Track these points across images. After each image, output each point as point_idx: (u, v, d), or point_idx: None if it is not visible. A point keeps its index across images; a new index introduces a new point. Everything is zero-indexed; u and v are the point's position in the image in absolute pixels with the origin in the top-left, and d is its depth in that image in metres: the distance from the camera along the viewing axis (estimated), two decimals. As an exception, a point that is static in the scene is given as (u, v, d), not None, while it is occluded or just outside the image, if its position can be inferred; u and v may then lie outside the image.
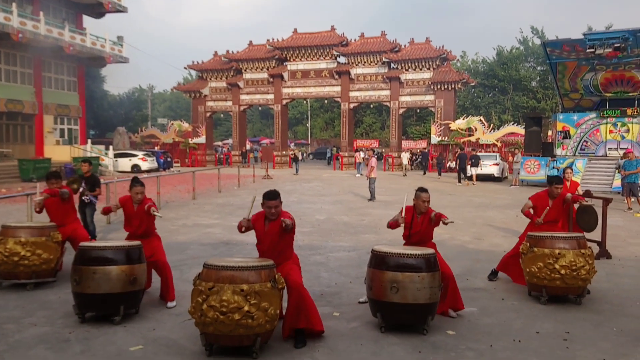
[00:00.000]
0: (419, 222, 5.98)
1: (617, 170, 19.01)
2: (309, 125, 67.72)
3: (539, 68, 56.51)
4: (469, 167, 25.37)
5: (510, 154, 27.39)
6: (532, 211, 7.30)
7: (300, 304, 4.94)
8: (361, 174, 29.68)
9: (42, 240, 6.82)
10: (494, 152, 32.34)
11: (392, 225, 6.13)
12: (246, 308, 4.43)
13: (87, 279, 5.38)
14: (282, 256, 5.23)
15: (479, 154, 27.92)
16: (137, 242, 5.83)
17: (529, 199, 7.41)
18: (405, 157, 33.88)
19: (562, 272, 6.05)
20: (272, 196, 5.15)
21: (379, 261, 5.31)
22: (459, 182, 25.24)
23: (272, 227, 5.17)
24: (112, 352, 4.75)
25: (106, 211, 7.00)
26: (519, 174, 24.27)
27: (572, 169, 9.88)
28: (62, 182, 7.81)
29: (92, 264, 5.41)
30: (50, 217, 7.62)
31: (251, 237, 10.39)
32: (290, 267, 5.18)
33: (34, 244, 6.74)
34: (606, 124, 22.73)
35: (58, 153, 31.66)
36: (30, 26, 28.93)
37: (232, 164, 38.23)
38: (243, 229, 5.33)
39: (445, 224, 5.80)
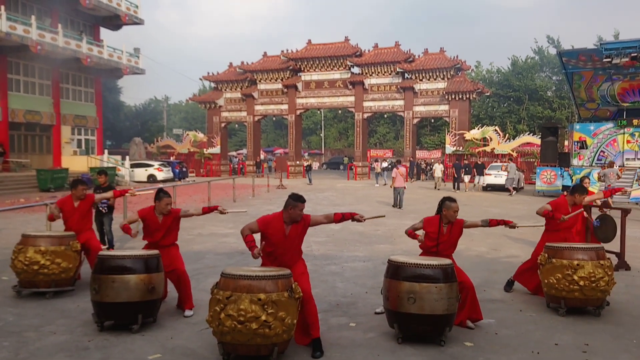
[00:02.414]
0: (446, 232, 5.97)
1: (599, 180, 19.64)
2: (322, 135, 67.87)
3: (554, 78, 56.22)
4: (463, 175, 27.62)
5: (503, 166, 27.84)
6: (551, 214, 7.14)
7: (309, 312, 4.97)
8: (384, 184, 29.71)
9: (62, 249, 6.89)
10: (509, 162, 32.15)
11: (411, 234, 6.17)
12: (263, 317, 4.45)
13: (106, 287, 5.44)
14: (295, 257, 5.31)
15: (478, 162, 28.36)
16: (155, 252, 5.87)
17: (548, 203, 7.30)
18: (438, 168, 29.55)
19: (581, 283, 5.99)
20: (301, 198, 5.25)
21: (396, 271, 5.30)
22: (457, 189, 26.79)
23: (295, 229, 5.23)
24: (131, 360, 4.78)
25: (126, 230, 6.35)
26: (512, 183, 25.13)
27: (589, 179, 9.81)
28: (85, 189, 7.69)
29: (111, 273, 5.47)
30: (65, 224, 7.53)
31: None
32: (300, 273, 5.20)
33: (53, 253, 6.81)
34: (623, 134, 22.50)
35: (75, 163, 32.04)
36: (48, 38, 29.41)
37: (247, 174, 38.41)
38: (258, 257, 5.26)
39: (513, 227, 6.18)
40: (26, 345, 5.18)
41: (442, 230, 5.97)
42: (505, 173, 26.16)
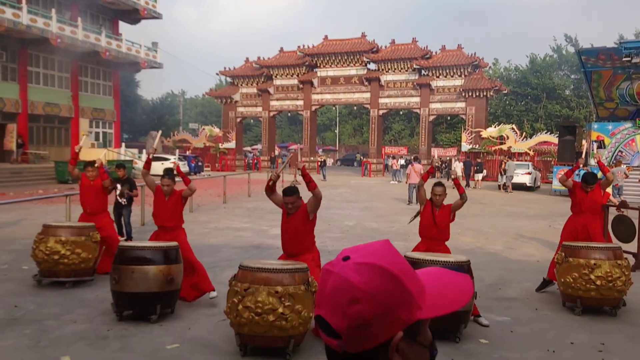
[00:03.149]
0: (438, 215, 6.14)
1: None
2: (337, 131, 67.80)
3: (572, 76, 55.57)
4: (474, 173, 27.84)
5: (502, 162, 28.08)
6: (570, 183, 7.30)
7: None
8: (399, 181, 29.69)
9: (82, 239, 7.01)
10: (526, 161, 31.95)
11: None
12: (280, 310, 4.50)
13: (126, 278, 5.53)
14: (302, 247, 5.46)
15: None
16: (174, 243, 5.96)
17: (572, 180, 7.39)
18: (458, 167, 28.54)
19: (598, 282, 5.96)
20: (288, 192, 5.43)
21: (412, 267, 5.31)
22: (466, 186, 27.16)
23: (294, 218, 5.43)
24: (150, 349, 4.86)
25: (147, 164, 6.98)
26: (511, 180, 25.70)
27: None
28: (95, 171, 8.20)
29: (131, 264, 5.56)
30: (81, 200, 8.07)
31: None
32: (311, 268, 5.23)
33: (73, 243, 6.93)
34: (642, 133, 22.23)
35: (93, 156, 32.21)
36: (68, 31, 29.72)
37: (261, 169, 38.53)
38: (271, 182, 5.58)
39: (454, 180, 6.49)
40: (46, 333, 5.28)
41: (435, 213, 6.16)
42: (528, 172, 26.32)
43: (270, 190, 5.63)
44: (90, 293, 6.75)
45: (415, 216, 6.63)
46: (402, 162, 33.42)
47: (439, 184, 6.37)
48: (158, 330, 5.40)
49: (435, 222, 6.13)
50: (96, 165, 8.27)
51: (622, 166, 19.65)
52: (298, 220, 5.43)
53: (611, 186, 17.59)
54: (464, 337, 5.29)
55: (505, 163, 27.63)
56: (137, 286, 5.51)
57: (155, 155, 7.55)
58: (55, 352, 4.78)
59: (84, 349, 4.86)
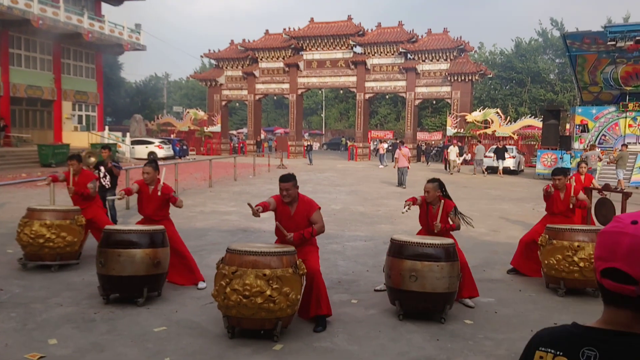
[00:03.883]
0: (433, 213, 5.99)
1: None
2: (323, 115, 67.67)
3: (557, 60, 55.90)
4: (457, 157, 27.22)
5: (472, 145, 28.21)
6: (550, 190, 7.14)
7: (314, 289, 5.03)
8: (385, 165, 29.78)
9: (67, 223, 6.96)
10: (510, 145, 32.17)
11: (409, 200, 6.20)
12: (268, 292, 4.52)
13: (112, 261, 5.51)
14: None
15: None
16: (160, 227, 5.94)
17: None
18: (453, 151, 27.01)
19: (581, 264, 6.06)
20: (283, 179, 5.26)
21: (398, 250, 5.37)
22: (447, 169, 27.47)
23: (299, 212, 5.25)
24: (137, 332, 4.87)
25: (127, 192, 6.63)
26: (480, 164, 26.20)
27: (586, 163, 9.83)
28: (81, 165, 7.87)
29: (117, 247, 5.53)
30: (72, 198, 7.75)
31: (268, 224, 10.51)
32: (308, 251, 5.22)
33: (58, 226, 6.88)
34: (625, 117, 22.52)
35: (76, 139, 32.00)
36: (50, 13, 29.16)
37: (247, 153, 38.40)
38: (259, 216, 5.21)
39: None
40: (33, 316, 5.26)
41: (430, 212, 6.02)
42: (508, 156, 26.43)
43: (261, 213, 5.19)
44: (77, 276, 6.72)
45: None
46: (386, 145, 33.58)
47: (431, 180, 6.10)
48: (145, 313, 5.40)
49: (427, 219, 6.06)
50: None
51: (597, 150, 20.02)
52: (303, 212, 5.26)
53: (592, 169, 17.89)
54: (449, 317, 5.36)
55: (474, 147, 27.90)
56: (124, 270, 5.50)
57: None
58: (42, 335, 4.77)
59: (71, 332, 4.85)
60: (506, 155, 26.50)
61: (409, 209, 6.05)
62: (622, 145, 21.04)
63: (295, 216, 5.27)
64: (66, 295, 5.96)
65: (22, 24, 28.45)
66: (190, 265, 6.41)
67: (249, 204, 5.10)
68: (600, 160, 19.54)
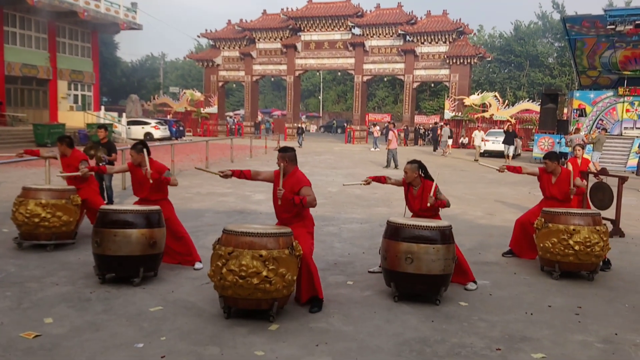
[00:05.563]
0: (416, 195, 6.00)
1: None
2: (321, 97, 67.37)
3: (556, 44, 55.63)
4: (447, 139, 27.52)
5: (439, 128, 28.60)
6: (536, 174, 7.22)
7: (304, 274, 5.03)
8: (378, 148, 29.76)
9: (62, 202, 6.93)
10: (444, 126, 31.86)
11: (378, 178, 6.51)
12: (264, 273, 4.52)
13: (108, 241, 5.49)
14: (297, 216, 5.27)
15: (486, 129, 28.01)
16: (156, 207, 5.92)
17: (539, 168, 7.31)
18: (479, 136, 26.45)
19: (576, 248, 6.08)
20: (283, 150, 5.31)
21: (395, 232, 5.36)
22: (435, 151, 28.20)
23: (286, 185, 5.17)
24: (133, 312, 4.87)
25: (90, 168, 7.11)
26: (447, 146, 27.08)
27: (582, 146, 9.81)
28: (69, 148, 7.65)
29: (113, 227, 5.51)
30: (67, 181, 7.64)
31: (264, 206, 10.51)
32: (299, 233, 5.13)
33: (54, 206, 6.85)
34: (623, 102, 22.49)
35: (72, 119, 31.85)
36: (45, -10, 28.83)
37: (244, 135, 38.28)
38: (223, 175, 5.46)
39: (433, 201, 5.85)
40: (29, 295, 5.26)
41: (411, 193, 6.06)
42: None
43: (244, 177, 5.49)
44: (72, 256, 6.72)
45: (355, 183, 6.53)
46: (379, 128, 33.65)
47: (410, 161, 6.11)
48: (141, 293, 5.41)
49: (409, 200, 6.10)
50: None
51: (581, 133, 20.24)
52: (290, 184, 5.22)
53: (587, 153, 17.95)
54: (444, 299, 5.38)
55: (441, 129, 28.40)
56: (120, 249, 5.49)
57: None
58: (37, 314, 4.77)
59: (67, 311, 4.85)
60: (515, 140, 24.84)
61: (360, 185, 6.60)
62: (601, 129, 21.26)
63: (284, 188, 5.19)
64: (62, 274, 5.96)
65: (17, 2, 28.17)
66: (188, 246, 6.40)
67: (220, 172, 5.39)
68: (585, 142, 19.65)
